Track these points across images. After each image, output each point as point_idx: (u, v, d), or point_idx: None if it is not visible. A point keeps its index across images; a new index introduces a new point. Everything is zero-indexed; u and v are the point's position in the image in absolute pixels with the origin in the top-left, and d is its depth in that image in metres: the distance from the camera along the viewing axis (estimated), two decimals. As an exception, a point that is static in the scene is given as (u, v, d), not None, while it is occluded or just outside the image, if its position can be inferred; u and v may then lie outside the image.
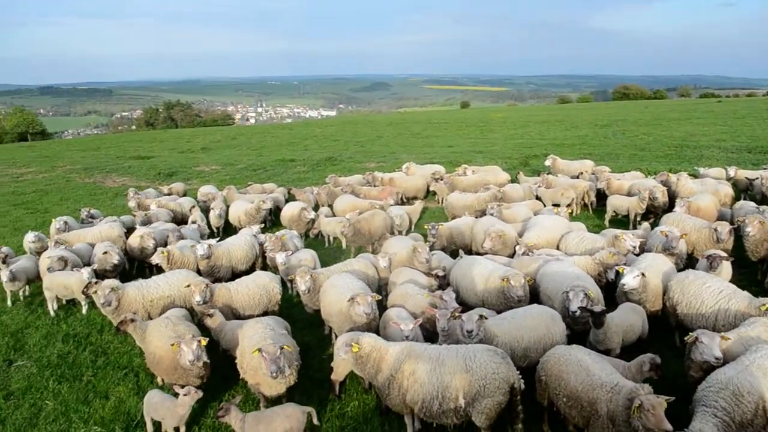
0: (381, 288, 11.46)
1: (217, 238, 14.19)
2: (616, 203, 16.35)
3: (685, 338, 7.66)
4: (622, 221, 16.35)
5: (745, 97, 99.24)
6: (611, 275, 10.51)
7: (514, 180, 20.76)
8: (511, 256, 12.10)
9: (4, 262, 13.20)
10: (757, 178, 17.50)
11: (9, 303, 12.52)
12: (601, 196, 18.09)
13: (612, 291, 10.24)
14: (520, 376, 7.19)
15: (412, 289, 9.95)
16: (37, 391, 9.26)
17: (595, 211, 18.02)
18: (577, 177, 19.83)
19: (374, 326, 8.95)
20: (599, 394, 6.62)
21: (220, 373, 9.08)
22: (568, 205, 17.24)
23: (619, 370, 7.29)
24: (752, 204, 14.41)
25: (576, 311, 8.75)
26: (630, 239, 11.38)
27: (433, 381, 7.07)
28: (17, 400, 9.05)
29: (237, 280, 10.81)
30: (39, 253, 13.84)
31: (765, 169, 19.11)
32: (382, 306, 9.91)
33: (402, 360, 7.34)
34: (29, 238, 14.46)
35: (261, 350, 7.55)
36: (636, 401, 6.08)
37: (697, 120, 45.96)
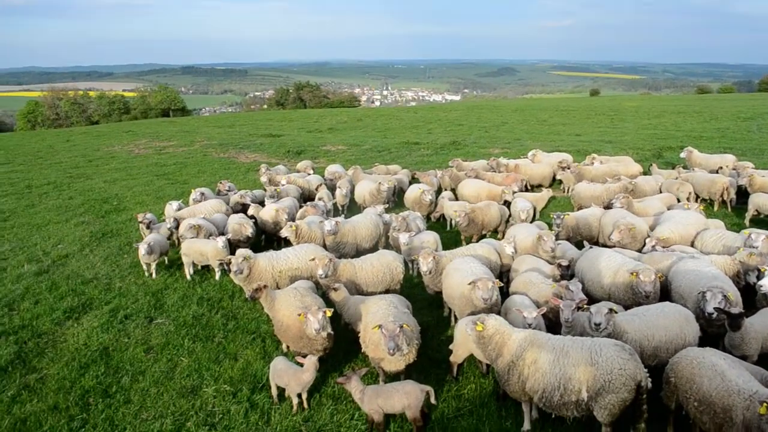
0: (502, 274, 11.38)
1: (342, 216, 14.58)
2: (759, 201, 15.24)
3: None
4: (765, 221, 15.25)
5: None
6: (752, 278, 9.87)
7: (646, 172, 19.82)
8: (640, 251, 11.63)
9: (147, 228, 14.30)
10: None
11: (147, 274, 13.47)
12: (742, 194, 16.91)
13: (752, 294, 9.62)
14: (648, 375, 6.95)
15: (536, 278, 9.82)
16: (173, 348, 10.01)
17: (734, 209, 16.88)
18: (716, 172, 18.65)
19: (495, 311, 8.91)
20: (735, 401, 6.28)
21: (343, 347, 9.41)
22: (705, 200, 16.28)
23: (757, 378, 6.86)
24: None
25: (713, 312, 8.30)
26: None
27: (555, 371, 6.97)
28: (156, 354, 9.83)
29: (361, 257, 11.10)
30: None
31: None
32: (503, 293, 9.84)
33: (525, 347, 7.29)
34: (173, 207, 15.60)
35: (381, 327, 7.74)
36: (766, 402, 5.81)
37: None
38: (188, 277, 13.01)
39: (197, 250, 12.82)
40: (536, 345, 7.26)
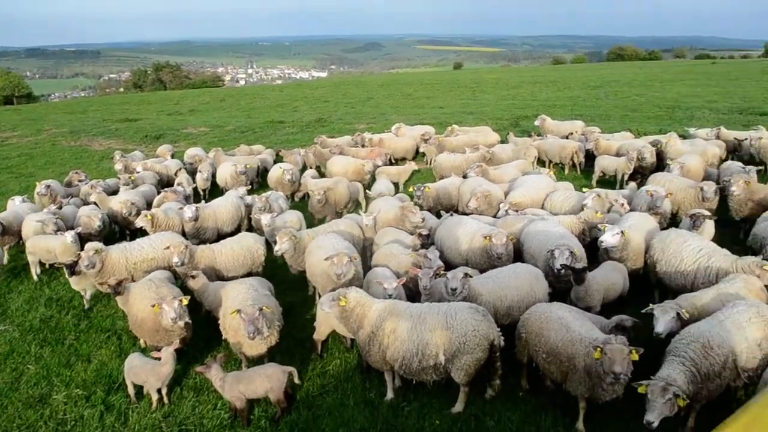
0: (366, 248, 11.47)
1: (203, 200, 14.09)
2: (603, 164, 16.32)
3: (643, 310, 7.68)
4: (610, 182, 16.35)
5: (741, 58, 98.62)
6: (598, 234, 10.54)
7: (504, 141, 20.65)
8: (496, 216, 12.10)
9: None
10: (746, 139, 17.48)
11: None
12: (591, 157, 18.05)
13: (597, 250, 10.28)
14: (500, 333, 7.26)
15: (396, 249, 9.97)
16: (18, 356, 9.26)
17: (584, 171, 17.98)
18: (567, 137, 19.77)
19: (357, 286, 8.95)
20: (578, 349, 6.70)
21: (203, 336, 9.13)
22: (555, 164, 17.29)
23: (597, 326, 7.36)
24: (739, 164, 14.43)
25: (560, 269, 8.78)
26: (612, 198, 11.44)
27: (413, 338, 7.12)
28: (-1, 365, 9.06)
29: (221, 242, 10.80)
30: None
31: (755, 130, 19.05)
32: (368, 267, 9.92)
33: (384, 317, 7.38)
34: (15, 202, 14.37)
35: (240, 311, 7.56)
36: (600, 347, 6.27)
37: (690, 81, 45.72)
38: (35, 277, 12.11)
39: (43, 247, 11.90)
40: (395, 314, 7.38)
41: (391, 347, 7.24)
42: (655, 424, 5.80)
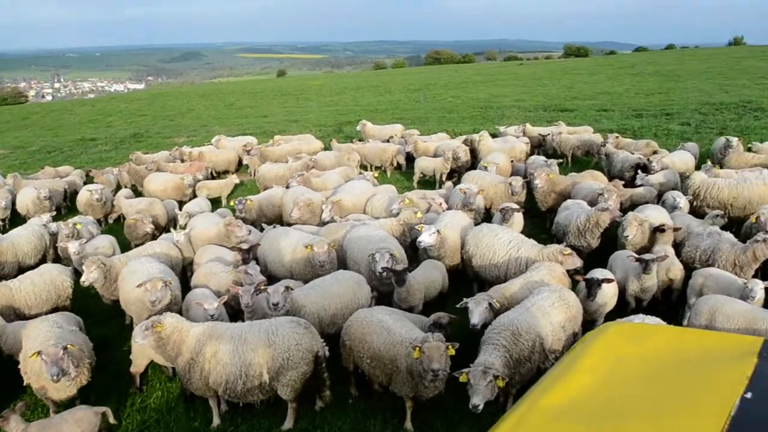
0: (188, 268, 10.98)
1: None
2: (422, 164, 16.92)
3: (458, 305, 7.98)
4: (430, 182, 16.98)
5: (544, 59, 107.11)
6: (416, 235, 10.85)
7: (327, 147, 20.76)
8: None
9: None
10: (549, 135, 18.98)
11: None
12: (412, 159, 18.65)
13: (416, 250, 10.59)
14: (324, 344, 7.22)
15: (216, 267, 9.62)
16: None
17: (405, 173, 18.55)
18: (388, 141, 20.29)
19: (176, 310, 8.50)
20: (399, 350, 6.82)
21: (5, 384, 8.18)
22: (377, 168, 17.71)
23: (417, 325, 7.55)
24: (542, 158, 15.57)
25: (382, 272, 8.92)
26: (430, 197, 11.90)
27: (235, 360, 6.87)
28: None
29: (20, 277, 9.76)
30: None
31: (556, 125, 20.74)
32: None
33: (203, 342, 7.06)
34: None
35: (41, 352, 6.87)
36: (418, 346, 6.41)
37: (500, 82, 48.87)
38: None
39: None
40: (215, 337, 7.08)
41: (214, 372, 6.94)
42: (480, 407, 6.05)
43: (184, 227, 12.36)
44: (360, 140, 21.12)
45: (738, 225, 11.22)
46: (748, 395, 2.65)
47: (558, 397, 2.87)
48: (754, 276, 8.81)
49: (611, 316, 8.03)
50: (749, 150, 15.58)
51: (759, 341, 3.14)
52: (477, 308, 7.54)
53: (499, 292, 8.14)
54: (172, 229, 11.58)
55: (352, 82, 61.68)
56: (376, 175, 15.92)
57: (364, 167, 18.64)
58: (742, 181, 11.77)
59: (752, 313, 7.23)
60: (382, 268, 8.90)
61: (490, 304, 7.62)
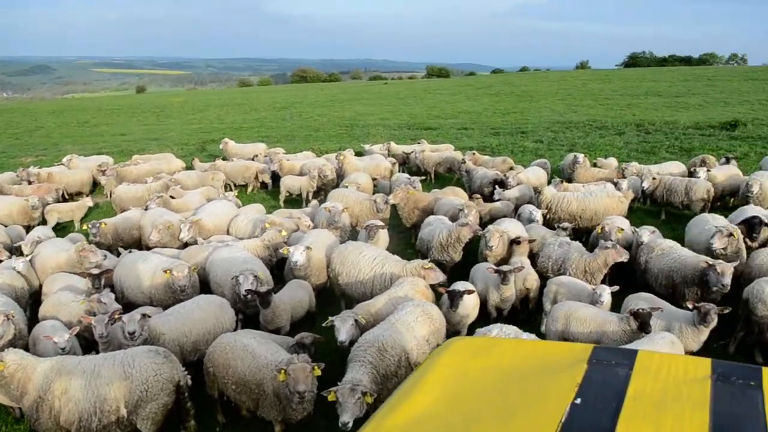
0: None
1: None
2: (288, 183, 16.79)
3: (324, 324, 7.91)
4: (297, 200, 16.86)
5: (408, 79, 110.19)
6: (283, 255, 10.70)
7: (190, 167, 20.08)
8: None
9: None
10: (412, 152, 19.49)
11: None
12: (278, 177, 18.46)
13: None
14: (186, 372, 6.91)
15: (67, 297, 8.97)
16: None
17: (271, 192, 18.33)
18: (253, 159, 19.98)
19: (21, 346, 7.83)
20: (265, 374, 6.66)
21: None
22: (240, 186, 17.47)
23: (283, 347, 7.42)
24: (406, 176, 15.93)
25: (246, 294, 8.70)
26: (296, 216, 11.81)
27: (89, 396, 6.40)
28: None
29: None
30: None
31: (419, 143, 21.33)
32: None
33: (52, 378, 6.52)
34: None
35: None
36: (283, 368, 6.31)
37: (366, 101, 49.71)
38: None
39: None
40: (64, 372, 6.56)
41: (65, 410, 6.42)
42: (350, 424, 5.98)
43: (26, 254, 11.41)
44: (224, 159, 20.64)
45: (587, 235, 12.03)
46: (578, 401, 2.78)
47: (402, 416, 2.89)
48: (603, 282, 9.46)
49: (474, 326, 8.31)
50: (594, 165, 16.78)
51: (589, 348, 3.33)
52: (343, 326, 7.52)
53: (364, 308, 8.17)
54: (13, 257, 10.70)
55: (216, 100, 60.42)
56: (236, 193, 15.59)
57: (227, 187, 18.22)
58: (588, 194, 12.64)
59: (601, 316, 7.77)
60: (246, 290, 8.68)
61: (356, 320, 7.63)
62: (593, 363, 3.13)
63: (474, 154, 18.16)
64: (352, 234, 12.30)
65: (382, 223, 11.36)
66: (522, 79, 68.04)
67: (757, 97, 38.42)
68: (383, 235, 11.27)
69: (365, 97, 54.24)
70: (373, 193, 14.17)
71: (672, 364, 3.14)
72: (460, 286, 8.50)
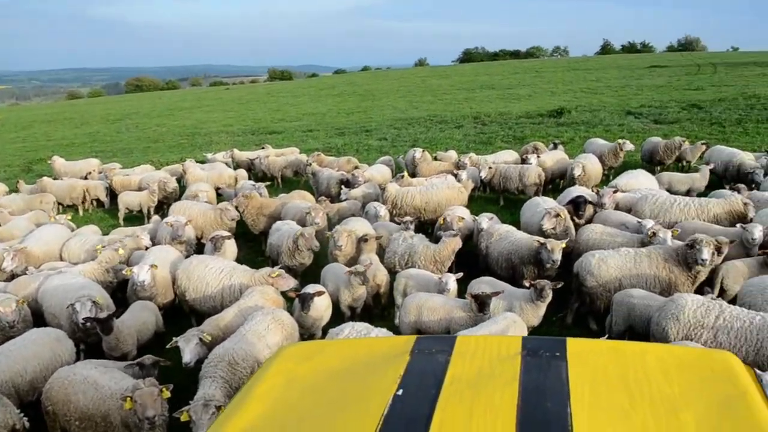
0: None
1: None
2: (126, 200, 15.93)
3: (168, 345, 7.61)
4: (138, 217, 16.05)
5: (250, 83, 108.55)
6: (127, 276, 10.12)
7: (14, 190, 18.47)
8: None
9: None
10: (257, 158, 19.21)
11: None
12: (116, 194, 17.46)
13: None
14: (22, 415, 6.38)
15: None
16: None
17: (109, 210, 17.32)
18: (86, 177, 18.77)
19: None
20: (110, 405, 6.27)
21: None
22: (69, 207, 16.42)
23: (128, 373, 7.04)
24: (251, 183, 15.66)
25: (84, 322, 8.13)
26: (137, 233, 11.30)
27: None
28: None
29: None
30: None
31: (263, 148, 21.07)
32: None
33: None
34: None
35: None
36: (129, 396, 5.99)
37: (207, 108, 48.44)
38: None
39: None
40: None
41: None
42: None
43: None
44: (55, 178, 19.21)
45: (432, 227, 12.47)
46: (400, 392, 2.87)
47: (231, 430, 2.85)
48: (449, 270, 9.84)
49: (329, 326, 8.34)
50: (435, 159, 17.42)
51: (412, 339, 3.45)
52: (187, 346, 7.24)
53: (213, 323, 7.93)
54: None
55: (42, 115, 56.27)
56: (69, 216, 14.53)
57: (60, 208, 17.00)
58: (430, 187, 13.10)
59: (449, 303, 8.14)
60: (84, 318, 8.12)
61: (200, 338, 7.37)
62: (415, 353, 3.24)
63: (319, 155, 18.24)
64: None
65: (228, 234, 11.11)
66: (364, 79, 69.43)
67: (579, 86, 41.83)
68: (230, 246, 11.01)
69: (206, 104, 52.85)
70: (218, 203, 13.80)
71: (487, 345, 3.33)
72: (310, 288, 8.50)
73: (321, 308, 8.48)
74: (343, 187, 14.30)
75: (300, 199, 13.33)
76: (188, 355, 7.17)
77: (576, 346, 3.20)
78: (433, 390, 2.86)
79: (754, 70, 43.87)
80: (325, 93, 53.04)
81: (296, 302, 8.44)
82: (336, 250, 10.24)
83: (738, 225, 9.76)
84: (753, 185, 13.15)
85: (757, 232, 9.17)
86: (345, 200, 13.49)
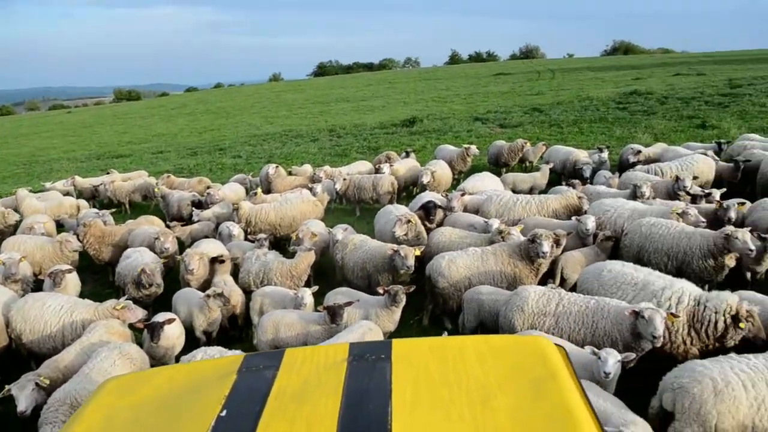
0: None
1: None
2: None
3: (2, 393, 6.99)
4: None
5: (94, 105, 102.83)
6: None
7: None
8: None
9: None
10: (101, 184, 18.15)
11: None
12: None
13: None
14: None
15: None
16: None
17: None
18: None
19: None
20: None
21: None
22: None
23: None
24: (93, 211, 14.81)
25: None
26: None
27: None
28: None
29: None
30: None
31: (108, 173, 19.94)
32: None
33: None
34: None
35: None
36: None
37: (46, 133, 45.36)
38: None
39: None
40: None
41: None
42: None
43: None
44: None
45: (288, 242, 12.33)
46: (224, 413, 2.82)
47: None
48: (306, 284, 9.76)
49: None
50: (290, 174, 17.31)
51: (240, 358, 3.39)
52: (22, 393, 6.65)
53: (51, 366, 7.33)
54: None
55: None
56: None
57: None
58: (285, 203, 13.01)
59: (306, 317, 8.10)
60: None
61: (36, 383, 6.80)
62: (242, 372, 3.19)
63: (168, 177, 17.56)
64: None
65: (68, 267, 10.38)
66: (217, 96, 67.95)
67: (430, 95, 43.32)
68: (72, 280, 10.26)
69: (46, 129, 49.45)
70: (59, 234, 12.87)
71: (315, 355, 3.33)
72: (160, 317, 8.12)
73: (173, 336, 8.11)
74: (194, 208, 13.84)
75: (148, 224, 12.71)
76: (23, 403, 6.58)
77: (401, 347, 3.27)
78: (257, 407, 2.81)
79: (588, 75, 47.55)
80: (177, 112, 51.31)
81: (145, 333, 8.02)
82: (188, 274, 9.88)
83: (573, 218, 10.47)
84: (587, 180, 14.18)
85: (590, 223, 9.91)
86: (197, 222, 13.06)
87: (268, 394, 2.91)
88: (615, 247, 9.86)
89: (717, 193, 11.27)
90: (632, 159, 14.99)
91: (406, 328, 8.97)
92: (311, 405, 2.77)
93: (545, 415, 2.67)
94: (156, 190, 16.03)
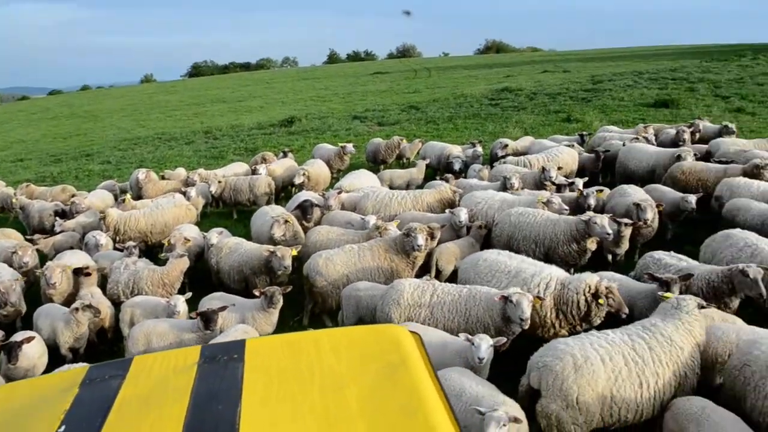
0: None
1: None
2: None
3: None
4: None
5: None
6: None
7: None
8: None
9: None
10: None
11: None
12: None
13: None
14: None
15: None
16: None
17: None
18: None
19: None
20: None
21: None
22: None
23: None
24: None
25: None
26: None
27: None
28: None
29: None
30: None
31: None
32: None
33: None
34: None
35: None
36: None
37: None
38: None
39: None
40: None
41: None
42: None
43: None
44: None
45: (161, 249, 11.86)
46: (62, 429, 2.68)
47: None
48: (180, 291, 9.41)
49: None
50: (163, 178, 16.65)
51: (84, 370, 3.25)
52: None
53: None
54: None
55: None
56: None
57: None
58: (156, 208, 12.50)
59: (179, 326, 7.82)
60: None
61: None
62: (85, 384, 3.06)
63: (28, 186, 16.41)
64: None
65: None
66: (83, 99, 64.45)
67: (309, 94, 43.15)
68: None
69: None
70: None
71: (164, 360, 3.23)
72: (18, 336, 7.58)
73: (33, 356, 7.59)
74: (57, 218, 13.01)
75: (4, 239, 11.82)
76: None
77: (255, 345, 3.24)
78: (99, 420, 2.70)
79: (462, 73, 49.10)
80: (38, 117, 48.09)
81: (1, 355, 7.46)
82: (49, 289, 9.26)
83: (447, 210, 10.76)
84: (459, 173, 14.63)
85: (463, 215, 10.24)
86: (60, 233, 12.28)
87: (112, 405, 2.79)
88: (488, 236, 10.24)
89: (580, 182, 11.92)
90: (500, 153, 15.65)
91: (287, 329, 8.88)
92: (156, 411, 2.68)
93: (395, 399, 2.73)
94: (14, 201, 14.93)
